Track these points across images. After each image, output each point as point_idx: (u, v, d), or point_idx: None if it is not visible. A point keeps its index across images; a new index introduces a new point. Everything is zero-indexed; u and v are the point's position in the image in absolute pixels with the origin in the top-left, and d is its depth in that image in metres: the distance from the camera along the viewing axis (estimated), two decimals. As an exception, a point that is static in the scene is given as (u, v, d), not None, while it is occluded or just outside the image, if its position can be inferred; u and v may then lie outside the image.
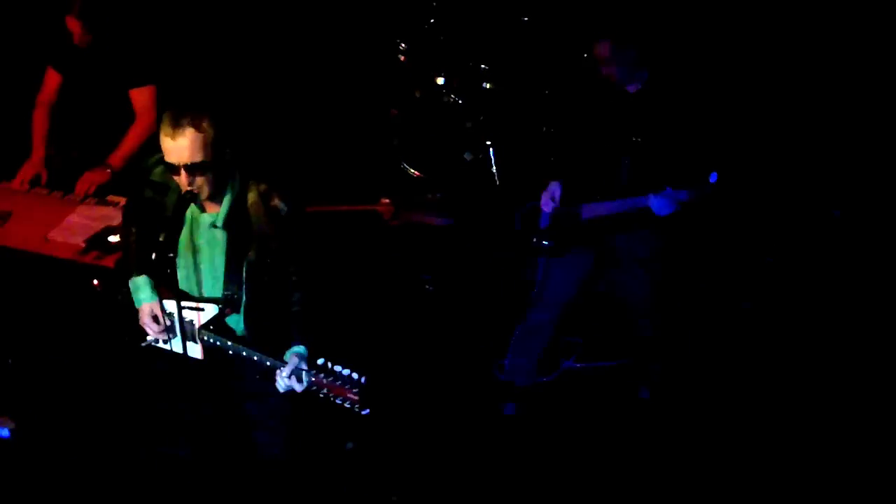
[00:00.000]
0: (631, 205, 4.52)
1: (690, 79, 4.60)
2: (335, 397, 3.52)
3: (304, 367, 3.58)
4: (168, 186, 3.73)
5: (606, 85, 4.53)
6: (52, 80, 5.13)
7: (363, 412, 3.50)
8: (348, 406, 3.51)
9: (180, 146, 3.52)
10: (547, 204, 4.71)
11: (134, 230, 3.89)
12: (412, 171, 6.59)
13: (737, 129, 5.61)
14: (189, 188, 3.59)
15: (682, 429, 4.95)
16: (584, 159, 4.69)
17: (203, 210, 3.71)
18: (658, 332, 4.96)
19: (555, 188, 4.70)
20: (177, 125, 3.51)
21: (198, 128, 3.51)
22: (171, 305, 3.79)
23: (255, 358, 3.66)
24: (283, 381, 3.60)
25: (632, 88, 4.52)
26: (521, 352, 5.03)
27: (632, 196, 4.51)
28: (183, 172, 3.55)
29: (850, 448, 4.78)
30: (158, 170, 3.75)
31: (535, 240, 4.77)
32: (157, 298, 3.81)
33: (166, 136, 3.53)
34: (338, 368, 3.51)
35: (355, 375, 3.48)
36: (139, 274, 3.84)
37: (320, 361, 3.55)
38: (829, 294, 5.68)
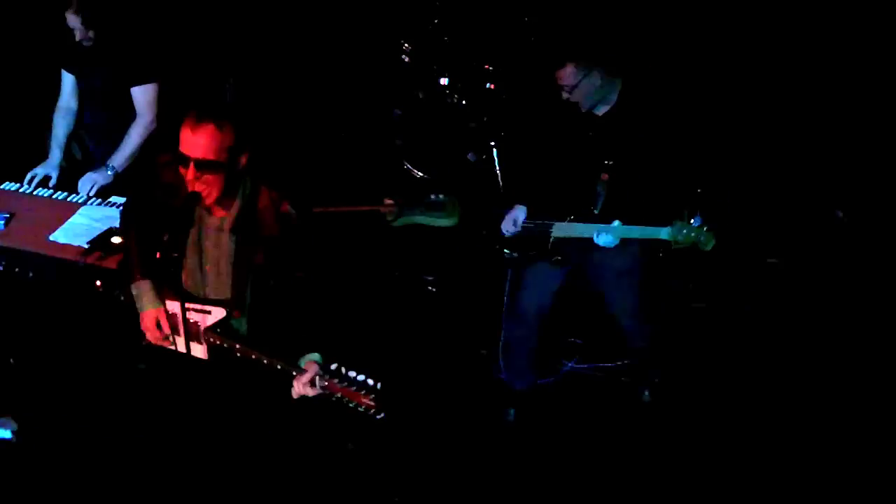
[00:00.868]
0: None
1: (662, 98, 4.44)
2: (349, 402, 3.50)
3: (320, 372, 3.57)
4: (178, 188, 3.72)
5: (572, 107, 4.37)
6: (67, 82, 5.14)
7: (378, 416, 3.49)
8: (362, 410, 3.49)
9: (197, 140, 3.54)
10: (508, 228, 4.59)
11: (135, 232, 3.89)
12: (416, 171, 6.60)
13: (715, 149, 5.55)
14: (194, 184, 3.58)
15: (683, 431, 4.94)
16: (555, 179, 4.54)
17: (211, 213, 3.71)
18: (652, 340, 4.93)
19: (519, 213, 4.58)
20: (200, 118, 3.54)
21: (220, 128, 3.54)
22: (174, 306, 3.79)
23: (265, 362, 3.65)
24: (299, 386, 3.58)
25: (600, 111, 4.38)
26: (509, 361, 5.01)
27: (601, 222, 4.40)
28: (191, 166, 3.56)
29: (852, 449, 4.77)
30: (169, 171, 3.75)
31: (497, 247, 4.68)
32: (160, 305, 3.81)
33: (187, 127, 3.56)
34: (352, 374, 3.50)
35: (370, 381, 3.47)
36: (143, 278, 3.84)
37: (333, 367, 3.54)
38: (834, 296, 5.66)
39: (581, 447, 4.89)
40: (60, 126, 5.14)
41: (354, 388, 3.48)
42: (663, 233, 4.28)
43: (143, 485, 4.46)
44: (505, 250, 4.66)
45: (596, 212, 4.42)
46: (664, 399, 5.09)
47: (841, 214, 6.08)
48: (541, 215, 4.57)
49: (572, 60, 4.24)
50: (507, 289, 4.86)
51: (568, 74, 4.26)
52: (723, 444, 4.85)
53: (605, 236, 4.36)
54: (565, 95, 4.31)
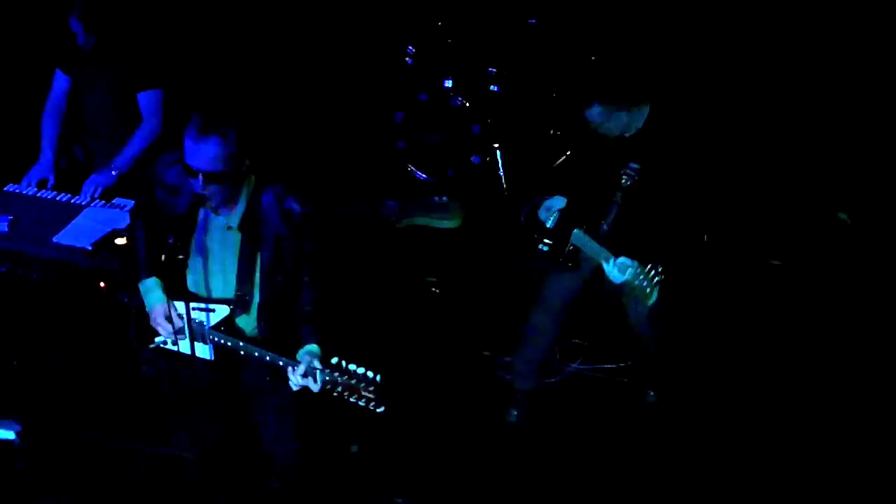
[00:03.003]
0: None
1: (680, 115, 4.44)
2: (350, 396, 3.52)
3: (319, 366, 3.58)
4: (180, 188, 3.73)
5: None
6: (61, 83, 5.15)
7: (378, 410, 3.51)
8: (363, 405, 3.51)
9: (204, 152, 3.51)
10: (542, 215, 4.52)
11: (143, 231, 3.90)
12: (419, 173, 6.61)
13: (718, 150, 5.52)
14: (202, 193, 3.60)
15: (688, 432, 4.94)
16: (576, 186, 4.49)
17: (217, 212, 3.72)
18: (660, 343, 4.93)
19: (556, 202, 4.50)
20: (205, 129, 3.50)
21: (225, 137, 3.50)
22: (180, 307, 3.81)
23: (268, 358, 3.67)
24: (296, 379, 3.60)
25: (628, 134, 4.32)
26: (525, 354, 5.01)
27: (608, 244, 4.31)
28: (201, 177, 3.57)
29: (854, 449, 4.77)
30: (172, 171, 3.76)
31: (535, 237, 4.67)
32: (167, 299, 3.83)
33: (191, 138, 3.51)
34: (352, 367, 3.51)
35: (370, 374, 3.49)
36: (149, 276, 3.86)
37: (334, 360, 3.55)
38: (837, 297, 5.66)
39: (585, 448, 4.89)
40: (50, 127, 5.14)
41: (354, 381, 3.50)
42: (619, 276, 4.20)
43: (144, 485, 4.47)
44: (544, 240, 4.62)
45: (605, 227, 4.40)
46: (669, 400, 5.08)
47: (844, 216, 6.08)
48: (565, 218, 4.53)
49: (598, 100, 4.19)
50: (542, 278, 4.82)
51: (595, 115, 4.22)
52: (727, 444, 4.85)
53: (610, 267, 4.29)
54: (595, 130, 4.27)
